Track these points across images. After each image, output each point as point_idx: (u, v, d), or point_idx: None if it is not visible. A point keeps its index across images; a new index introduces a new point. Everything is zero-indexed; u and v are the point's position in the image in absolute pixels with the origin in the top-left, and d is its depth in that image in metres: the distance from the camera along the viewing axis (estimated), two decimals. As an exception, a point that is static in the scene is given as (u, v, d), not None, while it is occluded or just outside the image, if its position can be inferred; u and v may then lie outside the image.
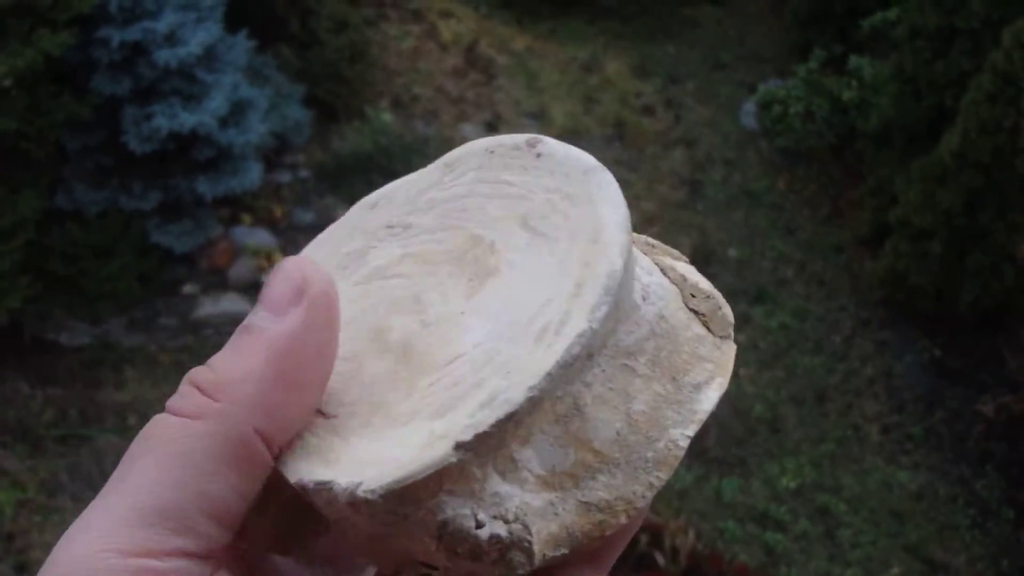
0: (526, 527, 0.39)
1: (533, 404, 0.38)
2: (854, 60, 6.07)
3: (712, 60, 7.20)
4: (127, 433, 4.45)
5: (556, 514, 0.40)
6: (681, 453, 0.42)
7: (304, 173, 5.85)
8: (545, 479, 0.40)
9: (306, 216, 5.58)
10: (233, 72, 5.02)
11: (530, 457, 0.40)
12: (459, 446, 0.37)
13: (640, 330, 0.42)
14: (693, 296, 0.46)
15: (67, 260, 4.89)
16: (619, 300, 0.41)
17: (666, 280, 0.45)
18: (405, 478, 0.37)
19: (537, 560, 0.39)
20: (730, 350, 0.47)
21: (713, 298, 0.47)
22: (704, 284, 0.47)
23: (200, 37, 4.83)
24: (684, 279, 0.46)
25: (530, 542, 0.39)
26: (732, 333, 0.47)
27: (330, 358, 0.40)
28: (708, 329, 0.46)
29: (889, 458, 4.98)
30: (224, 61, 5.02)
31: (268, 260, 5.27)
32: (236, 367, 0.38)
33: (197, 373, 0.39)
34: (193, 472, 0.37)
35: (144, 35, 4.72)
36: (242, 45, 5.16)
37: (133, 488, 0.37)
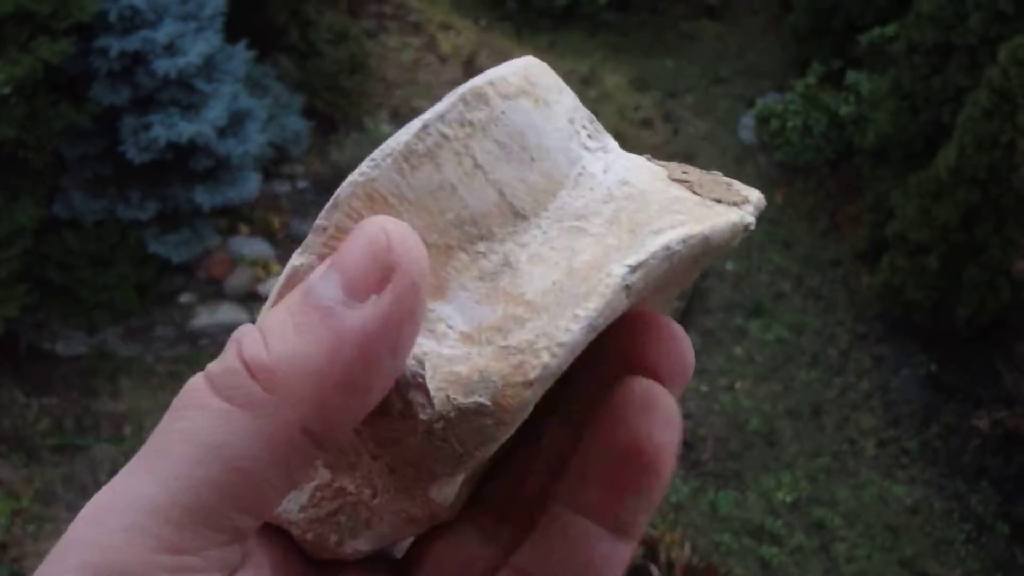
0: (421, 362, 0.36)
1: (364, 190, 0.39)
2: (852, 75, 6.09)
3: (711, 74, 7.21)
4: (122, 443, 4.45)
5: (468, 358, 0.36)
6: (614, 282, 0.36)
7: (302, 184, 5.85)
8: (469, 335, 0.37)
9: (304, 227, 5.58)
10: (232, 82, 5.02)
11: (451, 313, 0.37)
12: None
13: (593, 194, 0.40)
14: (685, 172, 0.43)
15: (64, 269, 4.89)
16: (499, 121, 0.39)
17: (644, 160, 0.43)
18: None
19: (438, 403, 0.35)
20: (724, 211, 0.41)
21: (715, 173, 0.44)
22: (715, 174, 0.44)
23: (199, 47, 4.84)
24: (681, 167, 0.44)
25: (423, 376, 0.35)
26: (738, 201, 0.43)
27: (403, 358, 0.35)
28: (694, 192, 0.42)
29: (885, 472, 4.98)
30: (223, 71, 5.02)
31: (265, 271, 5.27)
32: (296, 355, 0.33)
33: (249, 345, 0.34)
34: (232, 471, 0.33)
35: (143, 44, 4.73)
36: (241, 55, 5.17)
37: (166, 478, 0.33)
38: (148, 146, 4.82)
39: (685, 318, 5.55)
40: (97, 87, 4.82)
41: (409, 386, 0.36)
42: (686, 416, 5.10)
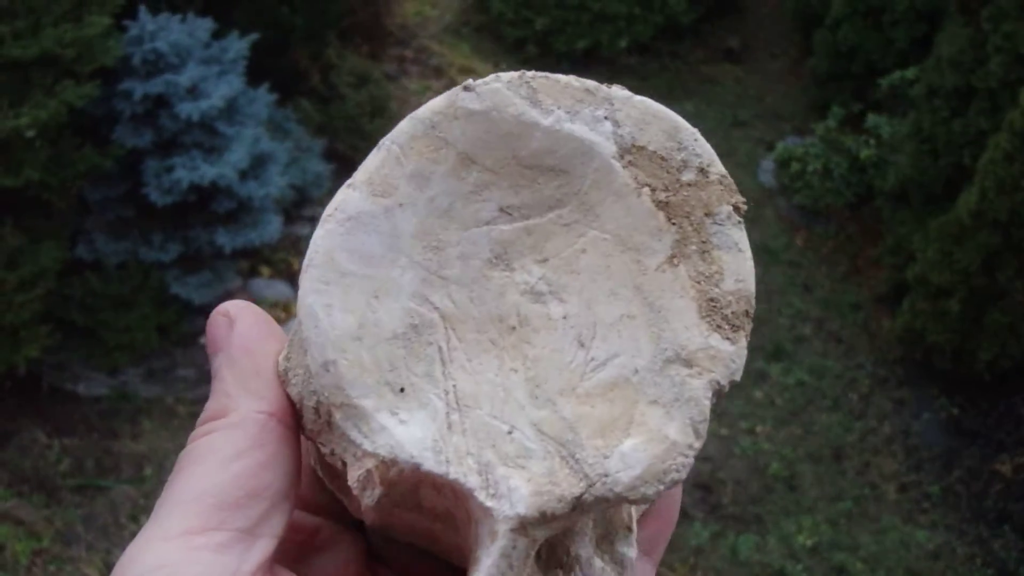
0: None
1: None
2: (872, 118, 6.09)
3: (730, 118, 7.23)
4: (143, 484, 4.45)
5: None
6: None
7: (323, 226, 5.87)
8: None
9: (324, 269, 5.60)
10: (254, 125, 5.06)
11: None
12: None
13: None
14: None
15: (86, 311, 4.91)
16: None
17: None
18: None
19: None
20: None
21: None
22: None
23: (222, 90, 4.88)
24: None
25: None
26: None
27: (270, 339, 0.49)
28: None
29: (907, 517, 4.93)
30: (245, 114, 5.06)
31: (286, 312, 5.29)
32: (220, 396, 0.47)
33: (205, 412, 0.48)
34: (223, 464, 0.44)
35: (167, 88, 4.78)
36: (263, 99, 5.21)
37: (185, 482, 0.44)
38: (170, 188, 4.85)
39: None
40: (120, 130, 4.87)
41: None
42: (705, 459, 5.07)
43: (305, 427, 0.47)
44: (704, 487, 4.96)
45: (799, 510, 4.92)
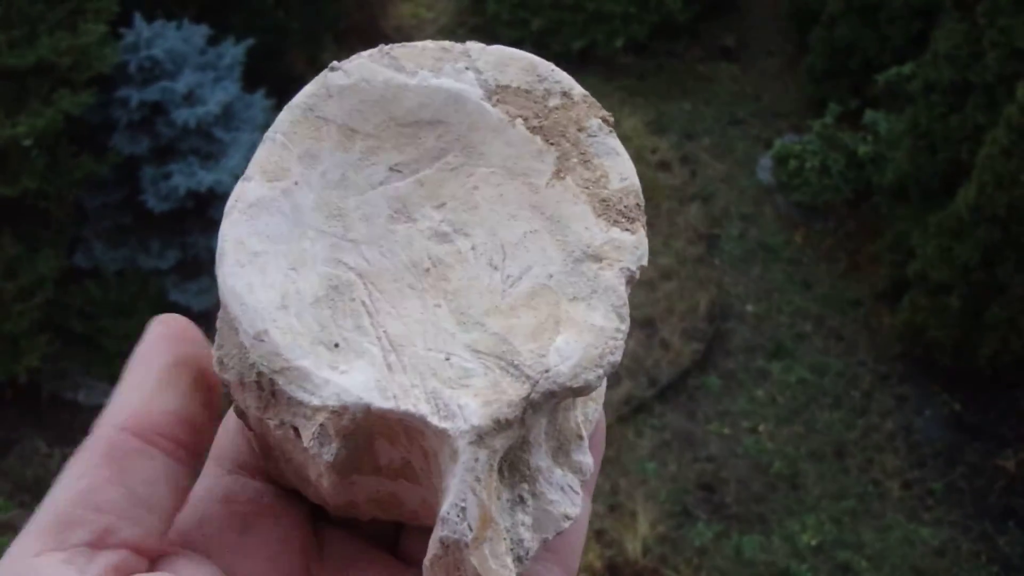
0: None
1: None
2: (869, 115, 6.09)
3: (728, 116, 7.23)
4: (144, 491, 4.44)
5: None
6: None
7: (321, 230, 5.87)
8: None
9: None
10: (251, 131, 5.06)
11: None
12: None
13: None
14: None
15: (85, 319, 4.91)
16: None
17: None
18: None
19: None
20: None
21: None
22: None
23: (218, 96, 4.88)
24: None
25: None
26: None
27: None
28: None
29: (910, 514, 4.93)
30: (242, 120, 5.06)
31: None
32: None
33: None
34: (68, 484, 0.45)
35: (163, 95, 4.78)
36: (260, 104, 5.21)
37: (32, 518, 0.46)
38: (168, 195, 4.85)
39: (705, 360, 5.53)
40: (117, 137, 4.87)
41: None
42: (708, 459, 5.07)
43: (248, 411, 0.48)
44: (707, 487, 4.96)
45: (803, 509, 4.91)
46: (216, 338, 0.50)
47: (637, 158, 6.61)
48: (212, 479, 0.51)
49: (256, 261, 0.46)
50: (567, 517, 0.49)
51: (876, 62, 6.26)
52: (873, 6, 6.25)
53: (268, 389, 0.47)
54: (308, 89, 0.52)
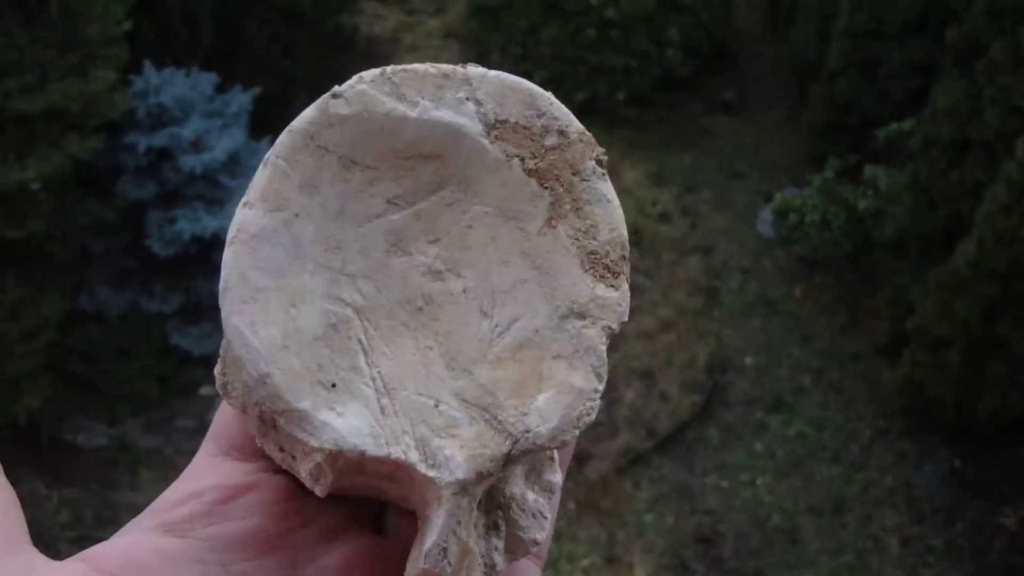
0: None
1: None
2: (870, 169, 6.12)
3: (728, 169, 7.28)
4: (141, 535, 4.42)
5: None
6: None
7: (324, 277, 5.89)
8: None
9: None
10: (256, 178, 5.08)
11: None
12: None
13: None
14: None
15: (87, 361, 4.92)
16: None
17: None
18: None
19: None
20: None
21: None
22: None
23: (225, 143, 4.92)
24: None
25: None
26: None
27: None
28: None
29: (910, 571, 4.90)
30: (247, 167, 5.10)
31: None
32: None
33: None
34: None
35: (170, 141, 4.82)
36: (265, 151, 5.24)
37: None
38: (173, 240, 4.88)
39: (704, 412, 5.53)
40: (124, 182, 4.90)
41: None
42: (706, 512, 5.06)
43: (250, 430, 0.52)
44: (705, 540, 4.94)
45: (801, 564, 4.89)
46: (219, 363, 0.52)
47: (638, 209, 6.67)
48: (205, 457, 0.54)
49: (258, 298, 0.49)
50: (535, 542, 0.51)
51: (876, 117, 6.31)
52: (873, 62, 6.30)
53: (270, 423, 0.49)
54: (309, 115, 0.53)
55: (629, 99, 7.58)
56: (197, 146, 4.88)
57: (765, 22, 8.56)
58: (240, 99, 5.16)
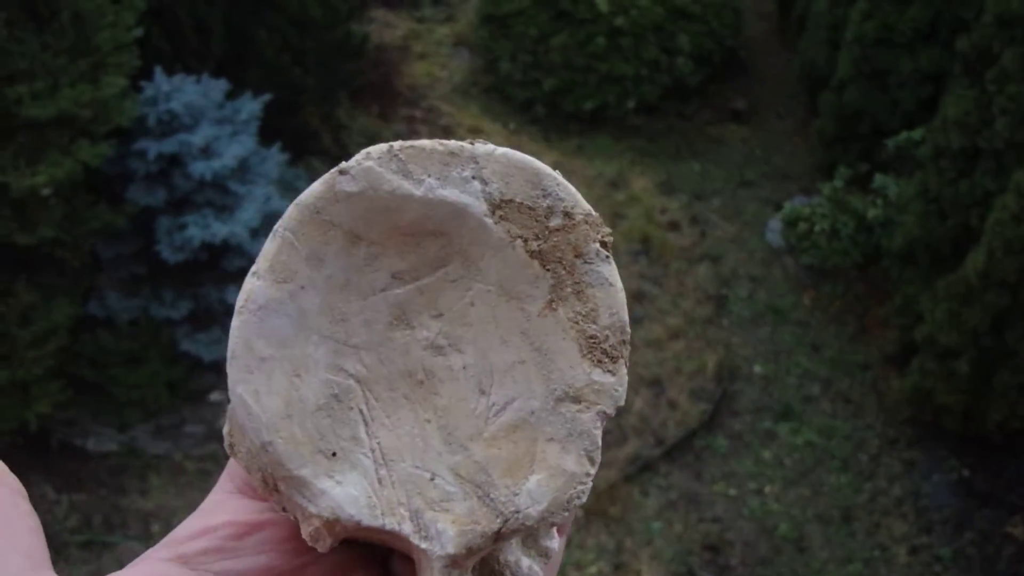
0: None
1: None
2: (879, 179, 6.12)
3: (737, 178, 7.28)
4: (150, 540, 4.43)
5: None
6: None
7: (333, 284, 5.89)
8: None
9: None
10: (265, 184, 5.11)
11: None
12: None
13: None
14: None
15: (97, 367, 4.94)
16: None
17: None
18: None
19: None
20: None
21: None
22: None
23: (235, 150, 4.93)
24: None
25: None
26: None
27: None
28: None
29: (918, 580, 4.90)
30: (257, 173, 5.11)
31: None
32: None
33: None
34: None
35: (180, 147, 4.83)
36: (275, 158, 5.27)
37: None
38: (182, 246, 4.89)
39: (712, 420, 5.53)
40: (134, 188, 4.92)
41: None
42: (714, 520, 5.05)
43: (259, 490, 0.53)
44: (712, 548, 4.94)
45: (808, 572, 4.88)
46: (227, 424, 0.54)
47: (647, 218, 6.67)
48: (220, 493, 0.56)
49: (263, 367, 0.50)
50: None
51: (886, 127, 6.31)
52: (882, 71, 6.30)
53: (272, 485, 0.51)
54: (317, 190, 0.53)
55: (639, 107, 7.59)
56: (207, 153, 4.89)
57: (775, 31, 8.57)
58: (250, 106, 5.17)
